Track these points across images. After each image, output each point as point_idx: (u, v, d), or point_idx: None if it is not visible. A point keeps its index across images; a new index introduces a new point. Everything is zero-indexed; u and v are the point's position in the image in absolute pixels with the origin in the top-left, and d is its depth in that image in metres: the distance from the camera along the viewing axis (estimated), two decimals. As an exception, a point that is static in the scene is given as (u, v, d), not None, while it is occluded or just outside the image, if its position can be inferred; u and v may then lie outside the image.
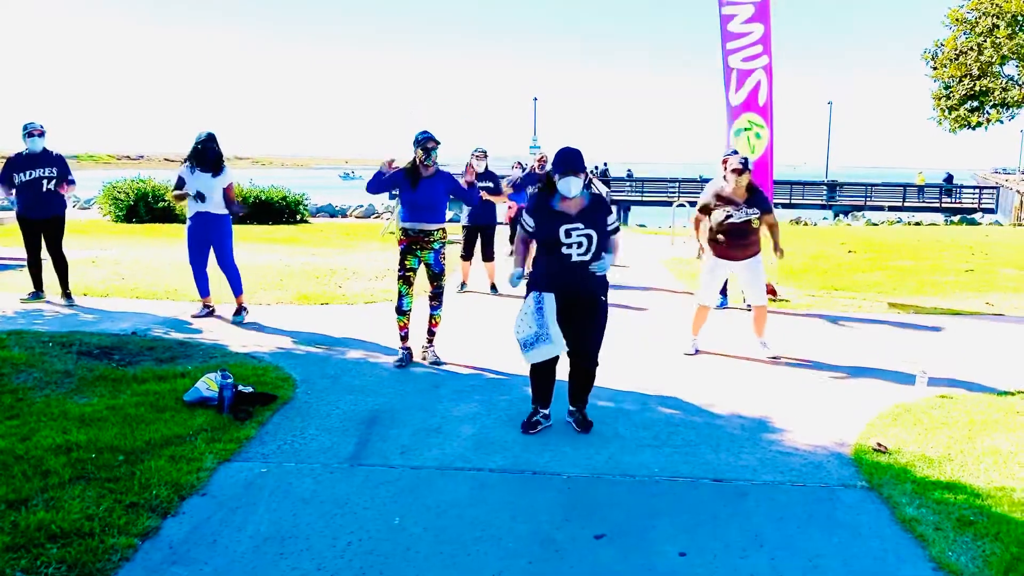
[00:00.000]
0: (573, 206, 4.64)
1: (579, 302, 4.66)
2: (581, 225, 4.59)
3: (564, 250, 4.58)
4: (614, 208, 4.81)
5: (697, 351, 6.68)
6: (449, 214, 9.20)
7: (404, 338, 6.31)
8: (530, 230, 4.72)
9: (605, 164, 44.09)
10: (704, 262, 6.71)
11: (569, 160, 4.60)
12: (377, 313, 8.04)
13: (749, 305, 6.78)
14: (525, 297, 4.70)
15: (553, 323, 4.52)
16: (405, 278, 6.22)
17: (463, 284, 9.77)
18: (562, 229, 4.59)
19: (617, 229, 4.80)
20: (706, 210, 6.57)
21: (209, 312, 7.73)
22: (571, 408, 4.96)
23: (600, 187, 12.68)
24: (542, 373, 4.80)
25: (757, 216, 6.40)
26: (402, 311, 6.26)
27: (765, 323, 6.69)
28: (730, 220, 6.39)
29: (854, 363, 6.49)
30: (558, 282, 4.61)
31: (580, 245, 4.58)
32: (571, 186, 4.56)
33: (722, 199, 6.46)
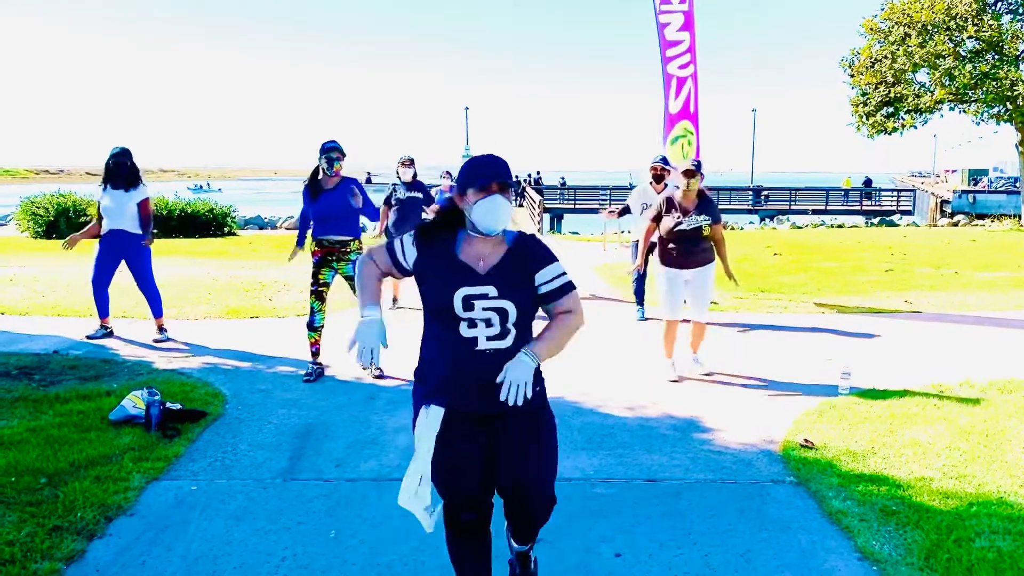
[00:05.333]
0: (487, 251, 2.66)
1: (500, 416, 2.63)
2: (492, 290, 2.58)
3: (463, 330, 2.57)
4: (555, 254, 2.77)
5: (680, 377, 6.17)
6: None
7: (316, 354, 6.20)
8: (405, 265, 2.71)
9: (538, 172, 44.41)
10: (658, 277, 6.38)
11: (491, 169, 2.61)
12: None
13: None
14: (413, 404, 2.76)
15: (425, 444, 2.63)
16: (318, 293, 6.12)
17: (395, 300, 9.42)
18: (459, 295, 2.57)
19: (570, 285, 2.69)
20: (658, 218, 6.26)
21: (107, 333, 7.39)
22: (512, 544, 2.96)
23: (533, 195, 12.57)
24: (465, 557, 2.86)
25: (708, 223, 6.12)
26: (313, 327, 6.15)
27: (702, 340, 6.45)
28: (679, 228, 6.10)
29: (781, 362, 6.67)
30: (455, 382, 2.62)
31: (489, 324, 2.57)
32: (498, 213, 2.59)
33: (672, 205, 6.18)
